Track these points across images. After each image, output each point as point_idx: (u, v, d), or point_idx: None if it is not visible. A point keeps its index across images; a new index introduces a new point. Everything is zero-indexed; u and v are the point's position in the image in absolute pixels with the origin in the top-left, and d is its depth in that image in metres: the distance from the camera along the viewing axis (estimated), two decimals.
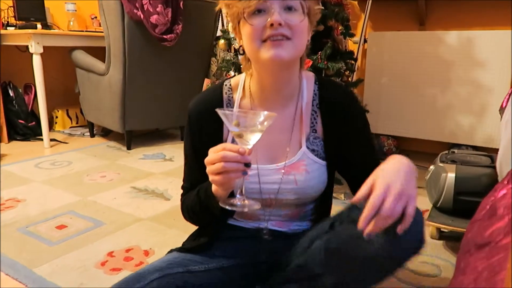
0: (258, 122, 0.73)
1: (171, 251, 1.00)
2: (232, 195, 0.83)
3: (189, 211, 0.96)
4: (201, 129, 0.94)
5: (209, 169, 0.75)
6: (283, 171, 0.90)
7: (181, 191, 1.06)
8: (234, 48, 2.15)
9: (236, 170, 0.73)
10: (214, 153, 0.74)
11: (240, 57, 0.94)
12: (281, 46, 0.79)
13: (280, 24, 0.78)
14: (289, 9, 0.81)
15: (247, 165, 0.74)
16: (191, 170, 1.00)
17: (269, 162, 0.92)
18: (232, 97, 0.94)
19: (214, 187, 0.82)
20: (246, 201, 0.78)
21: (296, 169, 0.90)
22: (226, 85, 0.96)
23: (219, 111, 0.74)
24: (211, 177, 0.76)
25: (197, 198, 0.90)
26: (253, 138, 0.74)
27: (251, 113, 0.77)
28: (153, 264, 0.91)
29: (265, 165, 0.91)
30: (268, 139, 0.90)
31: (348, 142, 0.93)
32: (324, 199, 0.97)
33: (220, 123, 0.83)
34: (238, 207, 0.77)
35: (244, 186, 0.79)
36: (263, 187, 0.91)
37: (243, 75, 0.96)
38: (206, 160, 0.75)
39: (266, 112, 0.74)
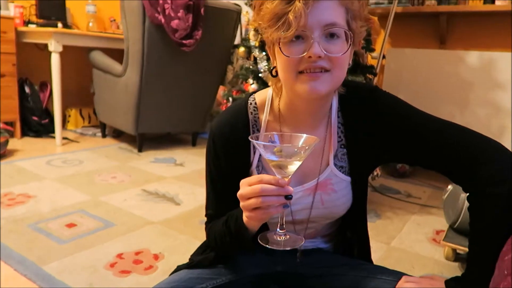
0: (299, 149, 0.65)
1: (179, 267, 0.93)
2: (265, 225, 0.76)
3: (217, 241, 0.86)
4: (227, 154, 0.84)
5: (244, 204, 0.68)
6: (309, 192, 0.85)
7: (191, 196, 0.99)
8: (254, 56, 2.15)
9: (277, 203, 0.66)
10: (248, 186, 0.67)
11: (270, 77, 0.84)
12: (319, 79, 0.72)
13: (319, 57, 0.70)
14: (331, 36, 0.71)
15: (288, 197, 0.66)
16: (217, 196, 0.89)
17: (298, 184, 0.85)
18: (259, 117, 0.85)
19: (245, 218, 0.74)
20: (288, 236, 0.70)
21: (323, 188, 0.85)
22: (251, 103, 0.86)
23: (253, 140, 0.66)
24: (246, 213, 0.70)
25: (226, 229, 0.81)
26: (292, 167, 0.66)
27: (291, 139, 0.69)
28: (157, 286, 0.85)
29: (293, 187, 0.83)
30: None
31: (400, 144, 0.81)
32: (353, 215, 0.91)
33: (248, 146, 0.74)
34: (280, 244, 0.69)
35: (284, 219, 0.71)
36: (293, 208, 0.85)
37: (269, 91, 0.87)
38: (240, 194, 0.69)
39: (305, 136, 0.68)
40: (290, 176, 0.67)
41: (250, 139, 0.67)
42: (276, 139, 0.71)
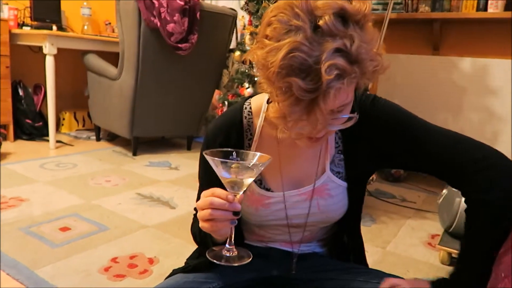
0: (251, 168, 0.68)
1: (174, 271, 0.94)
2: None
3: (194, 236, 0.94)
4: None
5: (198, 214, 0.71)
6: (305, 196, 0.85)
7: (186, 200, 0.99)
8: (249, 60, 2.15)
9: (224, 218, 0.68)
10: (204, 197, 0.70)
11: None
12: (318, 141, 0.73)
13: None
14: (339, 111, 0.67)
15: (236, 213, 0.68)
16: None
17: (294, 188, 0.86)
18: (253, 122, 0.86)
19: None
20: (236, 252, 0.71)
21: (319, 193, 0.86)
22: (246, 108, 0.86)
23: (207, 156, 0.68)
24: (200, 223, 0.71)
25: (198, 230, 0.84)
26: (244, 183, 0.69)
27: (245, 156, 0.72)
28: None
29: (288, 191, 0.86)
30: (295, 168, 0.85)
31: (397, 151, 0.81)
32: (348, 220, 0.92)
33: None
34: (227, 260, 0.70)
35: (233, 235, 0.72)
36: (289, 213, 0.86)
37: (266, 96, 0.85)
38: (197, 204, 0.71)
39: (258, 154, 0.71)
40: (241, 193, 0.69)
41: (205, 155, 0.68)
42: (234, 156, 0.72)
